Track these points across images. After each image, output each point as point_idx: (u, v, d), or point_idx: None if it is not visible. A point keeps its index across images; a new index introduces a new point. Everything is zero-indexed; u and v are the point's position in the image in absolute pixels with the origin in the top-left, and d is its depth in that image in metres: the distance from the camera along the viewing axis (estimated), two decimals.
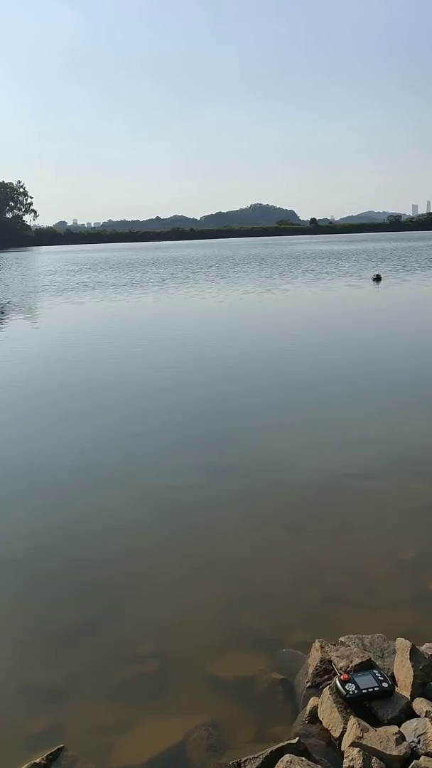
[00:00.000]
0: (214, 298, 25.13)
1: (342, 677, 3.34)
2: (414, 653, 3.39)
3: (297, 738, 3.08)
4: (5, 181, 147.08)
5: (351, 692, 3.25)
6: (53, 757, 3.14)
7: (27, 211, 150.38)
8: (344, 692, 3.26)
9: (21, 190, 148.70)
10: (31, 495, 6.68)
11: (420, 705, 3.20)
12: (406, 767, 2.90)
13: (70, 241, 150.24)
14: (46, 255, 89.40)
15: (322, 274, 34.73)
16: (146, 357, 14.10)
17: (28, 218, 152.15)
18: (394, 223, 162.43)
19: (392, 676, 3.45)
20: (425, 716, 3.12)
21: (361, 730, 3.02)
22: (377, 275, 30.22)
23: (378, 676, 3.33)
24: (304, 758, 2.93)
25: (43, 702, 3.75)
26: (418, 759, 2.90)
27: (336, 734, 3.15)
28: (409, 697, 3.27)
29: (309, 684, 3.55)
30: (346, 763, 2.94)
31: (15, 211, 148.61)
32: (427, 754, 2.92)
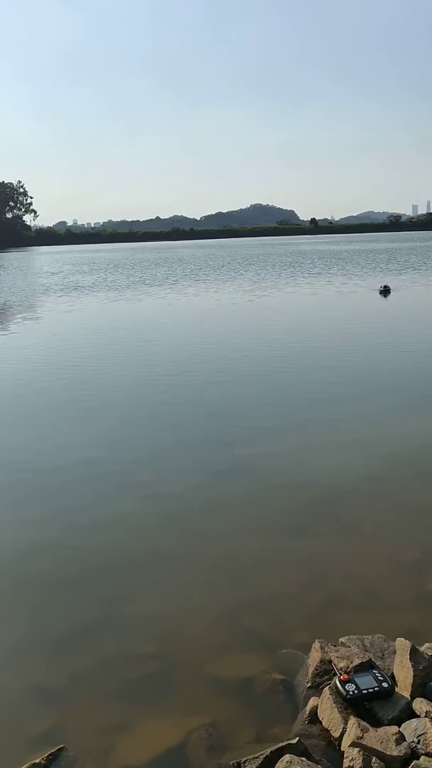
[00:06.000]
0: (214, 300, 25.13)
1: (342, 677, 3.34)
2: (414, 653, 3.40)
3: (297, 738, 3.08)
4: (5, 181, 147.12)
5: (351, 692, 3.25)
6: (53, 757, 3.14)
7: (27, 211, 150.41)
8: (344, 692, 3.26)
9: (21, 190, 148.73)
10: (32, 495, 6.68)
11: (420, 705, 3.20)
12: (406, 767, 2.90)
13: (70, 241, 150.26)
14: (45, 255, 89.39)
15: (323, 276, 34.72)
16: (146, 357, 14.10)
17: (28, 218, 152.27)
18: (394, 223, 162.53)
19: (392, 677, 3.45)
20: (425, 716, 3.12)
21: (361, 730, 3.02)
22: (385, 287, 25.11)
23: (378, 677, 3.33)
24: (304, 758, 2.93)
25: (43, 702, 3.75)
26: (418, 759, 2.90)
27: (336, 734, 3.15)
28: (409, 698, 3.27)
29: (309, 684, 3.55)
30: (346, 763, 2.95)
31: (15, 211, 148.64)
32: (427, 754, 2.92)
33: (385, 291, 24.60)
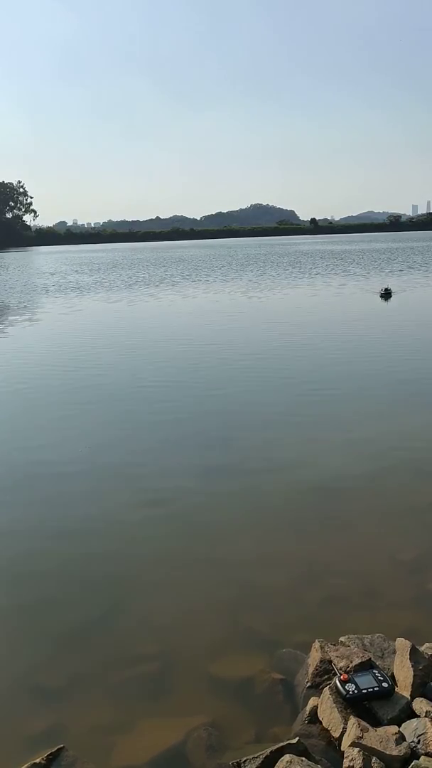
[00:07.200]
0: (213, 301, 25.14)
1: (342, 677, 3.34)
2: (414, 653, 3.39)
3: (297, 738, 3.07)
4: (5, 181, 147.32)
5: (351, 692, 3.25)
6: (53, 757, 3.14)
7: (27, 211, 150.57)
8: (344, 692, 3.26)
9: (21, 190, 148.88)
10: (31, 495, 6.67)
11: (420, 705, 3.20)
12: (406, 767, 2.90)
13: (70, 241, 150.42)
14: (45, 255, 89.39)
15: (323, 278, 34.71)
16: (145, 358, 14.10)
17: (28, 218, 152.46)
18: (394, 223, 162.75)
19: (392, 676, 3.45)
20: (425, 716, 3.12)
21: (361, 730, 3.01)
22: (386, 289, 24.35)
23: (378, 676, 3.33)
24: (304, 758, 2.93)
25: (43, 702, 3.75)
26: (418, 759, 2.90)
27: (336, 734, 3.15)
28: (409, 697, 3.27)
29: (309, 684, 3.55)
30: (346, 763, 2.94)
31: (15, 211, 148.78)
32: (427, 754, 2.92)
33: (386, 294, 23.77)
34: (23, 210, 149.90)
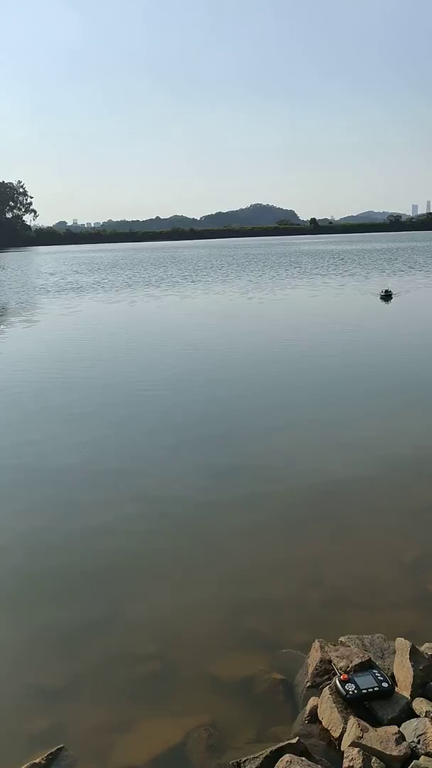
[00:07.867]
0: (213, 302, 25.13)
1: (342, 677, 3.34)
2: (414, 653, 3.39)
3: (297, 738, 3.08)
4: (5, 181, 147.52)
5: (351, 692, 3.25)
6: (53, 757, 3.14)
7: (27, 211, 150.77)
8: (344, 692, 3.26)
9: (21, 190, 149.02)
10: (32, 496, 6.67)
11: (420, 705, 3.20)
12: (406, 767, 2.90)
13: (70, 241, 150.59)
14: (45, 255, 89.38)
15: (323, 278, 34.70)
16: (145, 359, 14.11)
17: (28, 218, 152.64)
18: (394, 223, 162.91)
19: (392, 676, 3.45)
20: (425, 716, 3.12)
21: (361, 730, 3.02)
22: (387, 291, 24.00)
23: (378, 676, 3.33)
24: (304, 758, 2.93)
25: (43, 702, 3.75)
26: (418, 759, 2.90)
27: (336, 734, 3.15)
28: (409, 697, 3.27)
29: (309, 684, 3.55)
30: (346, 763, 2.94)
31: (15, 211, 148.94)
32: (427, 754, 2.92)
33: (387, 296, 23.41)
34: (23, 210, 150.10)
